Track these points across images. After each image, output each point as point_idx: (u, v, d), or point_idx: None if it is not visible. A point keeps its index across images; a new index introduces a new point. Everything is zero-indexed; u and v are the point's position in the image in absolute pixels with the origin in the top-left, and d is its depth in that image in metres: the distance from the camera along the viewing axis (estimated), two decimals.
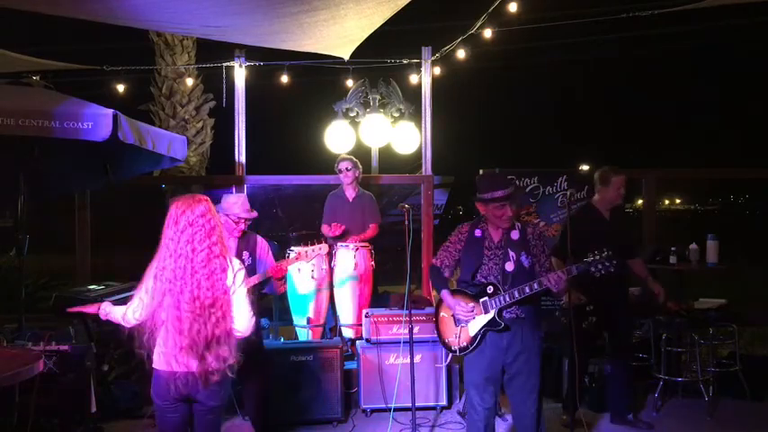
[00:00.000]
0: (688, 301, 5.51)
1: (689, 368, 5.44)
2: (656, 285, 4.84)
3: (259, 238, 4.54)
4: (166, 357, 2.93)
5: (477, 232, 3.71)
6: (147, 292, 2.99)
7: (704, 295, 5.71)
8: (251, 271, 4.28)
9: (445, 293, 3.72)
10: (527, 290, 3.50)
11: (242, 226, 4.40)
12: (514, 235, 3.65)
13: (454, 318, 3.70)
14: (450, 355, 3.78)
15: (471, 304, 3.62)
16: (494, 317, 3.56)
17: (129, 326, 3.10)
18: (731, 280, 7.07)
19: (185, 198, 3.09)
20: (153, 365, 3.00)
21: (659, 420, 4.90)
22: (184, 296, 2.90)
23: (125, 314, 3.10)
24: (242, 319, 3.04)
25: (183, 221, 2.98)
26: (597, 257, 3.48)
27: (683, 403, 5.24)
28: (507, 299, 3.54)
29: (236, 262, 3.12)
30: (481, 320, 3.60)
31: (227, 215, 4.39)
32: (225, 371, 2.97)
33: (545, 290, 3.54)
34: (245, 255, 4.42)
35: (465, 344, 3.66)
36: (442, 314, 3.82)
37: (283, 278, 4.46)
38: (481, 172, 5.95)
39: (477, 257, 3.66)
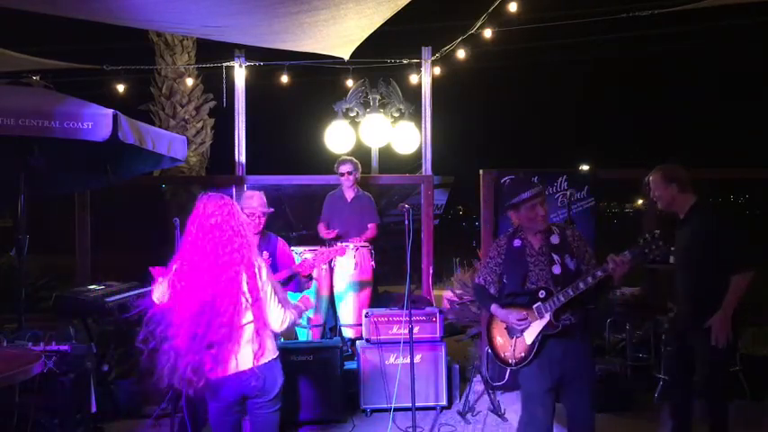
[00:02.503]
0: None
1: None
2: (722, 322, 3.87)
3: (280, 239, 4.57)
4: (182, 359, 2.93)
5: (516, 242, 3.60)
6: (169, 284, 3.01)
7: None
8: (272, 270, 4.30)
9: (494, 307, 3.60)
10: (581, 285, 3.37)
11: (256, 221, 4.41)
12: (554, 239, 3.54)
13: (508, 330, 3.59)
14: (509, 373, 3.62)
15: (524, 312, 3.51)
16: (550, 320, 3.45)
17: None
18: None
19: (213, 198, 3.05)
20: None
21: (659, 420, 4.89)
22: (195, 298, 2.88)
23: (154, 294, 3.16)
24: (273, 317, 3.06)
25: (209, 223, 2.95)
26: (648, 239, 3.30)
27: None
28: (561, 299, 3.42)
29: (260, 261, 3.09)
30: (537, 326, 3.49)
31: (242, 210, 4.41)
32: (255, 366, 3.00)
33: (596, 284, 3.37)
34: (266, 254, 4.43)
35: (523, 354, 3.53)
36: (494, 332, 3.67)
37: (310, 276, 4.55)
38: (481, 172, 5.96)
39: (522, 266, 3.56)
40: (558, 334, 3.45)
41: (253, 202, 4.44)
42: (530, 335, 3.51)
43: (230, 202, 3.07)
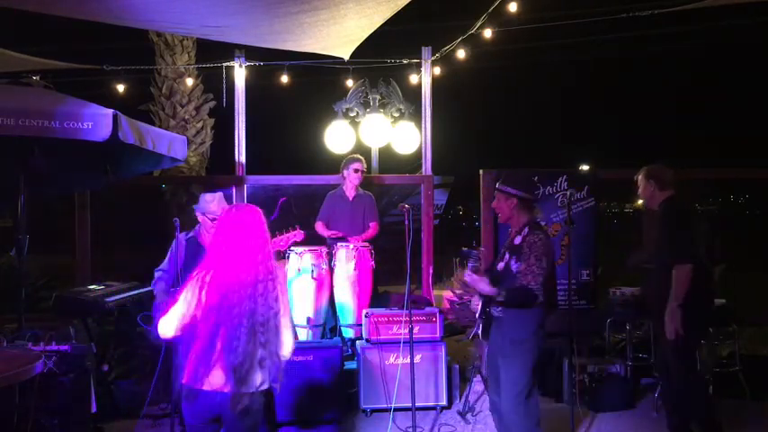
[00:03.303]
0: None
1: None
2: (671, 313, 4.02)
3: None
4: (206, 375, 2.76)
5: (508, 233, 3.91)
6: (188, 305, 2.79)
7: None
8: None
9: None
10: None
11: None
12: (517, 240, 3.71)
13: None
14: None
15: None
16: (480, 309, 3.75)
17: (163, 339, 2.90)
18: (731, 280, 7.06)
19: (243, 207, 2.97)
20: (186, 382, 2.82)
21: (659, 420, 4.90)
22: (241, 311, 2.74)
23: (159, 327, 2.87)
24: (288, 342, 2.94)
25: (245, 231, 2.83)
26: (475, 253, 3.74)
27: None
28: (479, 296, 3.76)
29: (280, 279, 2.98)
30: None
31: (203, 214, 4.40)
32: (258, 394, 2.84)
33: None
34: None
35: (479, 331, 3.89)
36: None
37: None
38: (481, 172, 5.98)
39: (496, 254, 3.90)
40: (494, 324, 3.76)
41: (212, 206, 4.39)
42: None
43: (259, 212, 2.96)
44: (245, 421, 2.84)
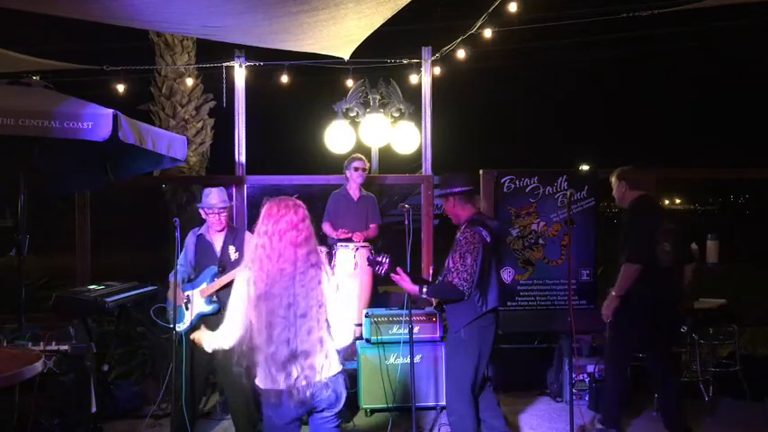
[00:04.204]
0: (688, 301, 5.50)
1: (689, 368, 5.44)
2: (608, 301, 4.52)
3: (248, 233, 4.52)
4: (263, 372, 2.81)
5: None
6: (240, 308, 2.85)
7: (704, 295, 5.71)
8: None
9: None
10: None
11: (218, 218, 4.41)
12: (457, 236, 3.85)
13: None
14: None
15: None
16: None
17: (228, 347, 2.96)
18: (731, 280, 7.07)
19: (284, 200, 2.94)
20: (257, 383, 2.87)
21: (659, 420, 4.90)
22: (281, 301, 2.77)
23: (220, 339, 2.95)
24: (341, 331, 2.94)
25: (285, 224, 2.83)
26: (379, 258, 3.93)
27: (683, 403, 5.24)
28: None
29: (329, 270, 3.00)
30: None
31: (202, 209, 4.44)
32: (326, 378, 2.84)
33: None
34: (232, 249, 4.43)
35: None
36: None
37: None
38: (481, 172, 5.98)
39: None
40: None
41: (211, 200, 4.43)
42: None
43: (300, 206, 2.95)
44: (326, 414, 2.91)
